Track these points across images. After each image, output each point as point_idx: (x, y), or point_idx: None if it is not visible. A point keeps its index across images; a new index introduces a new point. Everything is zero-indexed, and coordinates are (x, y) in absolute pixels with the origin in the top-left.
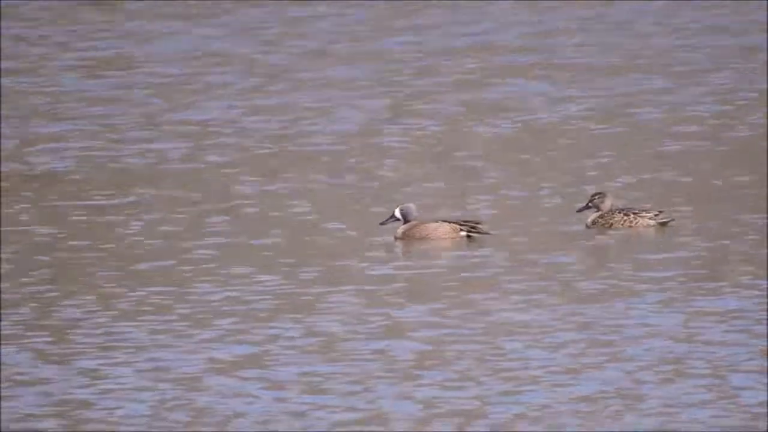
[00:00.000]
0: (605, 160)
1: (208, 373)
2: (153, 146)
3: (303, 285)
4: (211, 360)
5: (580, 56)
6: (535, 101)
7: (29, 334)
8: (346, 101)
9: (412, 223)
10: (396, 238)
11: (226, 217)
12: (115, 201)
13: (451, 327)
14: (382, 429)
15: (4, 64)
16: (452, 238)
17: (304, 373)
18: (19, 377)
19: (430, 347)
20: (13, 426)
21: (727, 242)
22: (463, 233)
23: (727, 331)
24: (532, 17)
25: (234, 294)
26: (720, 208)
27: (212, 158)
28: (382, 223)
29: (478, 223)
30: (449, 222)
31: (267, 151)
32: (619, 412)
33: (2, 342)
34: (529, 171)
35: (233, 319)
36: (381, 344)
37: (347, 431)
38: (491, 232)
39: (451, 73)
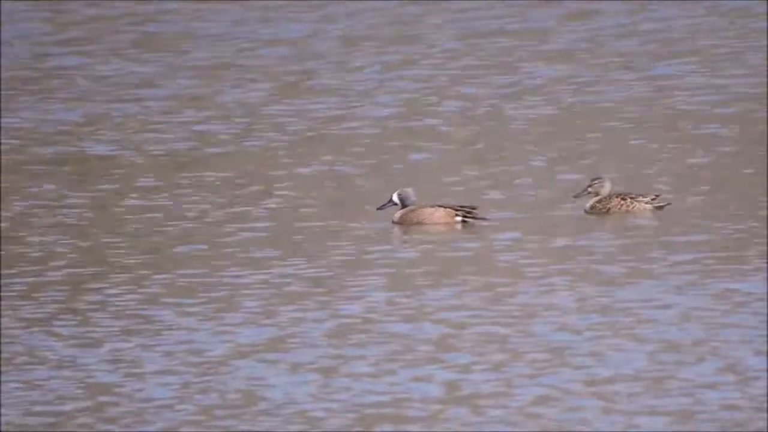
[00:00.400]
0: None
1: (233, 356)
2: (199, 128)
3: (331, 268)
4: (237, 343)
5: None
6: (563, 85)
7: (60, 316)
8: (386, 84)
9: (410, 207)
10: (393, 223)
11: (265, 201)
12: (159, 184)
13: (474, 309)
14: (403, 411)
15: (55, 49)
16: (447, 223)
17: (329, 356)
18: (45, 359)
19: (452, 330)
20: (39, 408)
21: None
22: (459, 219)
23: (754, 314)
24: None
25: (263, 277)
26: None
27: (256, 141)
28: (379, 208)
29: (474, 209)
30: (445, 207)
31: (310, 134)
32: (639, 395)
33: (31, 325)
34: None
35: (260, 302)
36: (404, 327)
37: (372, 413)
38: (487, 217)
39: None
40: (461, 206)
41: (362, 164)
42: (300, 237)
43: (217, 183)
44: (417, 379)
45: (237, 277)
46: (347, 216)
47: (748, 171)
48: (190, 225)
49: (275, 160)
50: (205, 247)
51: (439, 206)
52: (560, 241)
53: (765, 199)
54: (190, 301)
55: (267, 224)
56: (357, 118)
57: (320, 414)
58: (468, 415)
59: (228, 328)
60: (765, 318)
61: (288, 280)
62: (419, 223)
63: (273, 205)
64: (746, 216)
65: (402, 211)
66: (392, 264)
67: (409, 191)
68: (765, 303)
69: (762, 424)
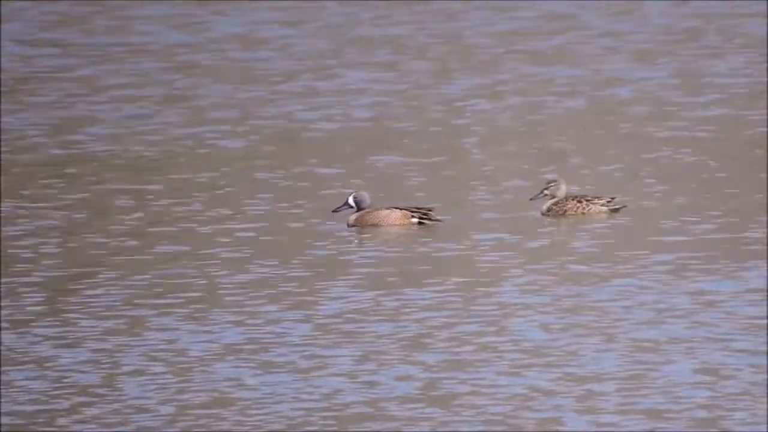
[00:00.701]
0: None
1: (213, 356)
2: (182, 130)
3: (309, 268)
4: (218, 344)
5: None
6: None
7: (44, 318)
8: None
9: (365, 210)
10: (349, 225)
11: (246, 202)
12: (140, 186)
13: (451, 309)
14: (379, 411)
15: (92, 52)
16: (403, 224)
17: (307, 356)
18: (26, 358)
19: (428, 330)
20: (22, 408)
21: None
22: (415, 220)
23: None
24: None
25: (243, 278)
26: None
27: (238, 143)
28: (334, 210)
29: (430, 210)
30: (401, 209)
31: (350, 132)
32: (614, 393)
33: (17, 326)
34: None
35: (240, 302)
36: (384, 327)
37: (349, 413)
38: (442, 219)
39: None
40: (417, 208)
41: (341, 166)
42: (281, 237)
43: (200, 182)
44: (397, 379)
45: (217, 277)
46: (327, 216)
47: (712, 167)
48: (174, 226)
49: (255, 161)
50: (189, 248)
51: (395, 208)
52: (527, 242)
53: (730, 197)
54: (170, 301)
55: (248, 225)
56: (334, 119)
57: (298, 413)
58: (444, 415)
59: (208, 328)
60: (737, 317)
61: (269, 280)
62: (375, 225)
63: (254, 208)
64: (717, 215)
65: (357, 214)
66: (358, 265)
67: (365, 194)
68: (737, 302)
69: (732, 423)
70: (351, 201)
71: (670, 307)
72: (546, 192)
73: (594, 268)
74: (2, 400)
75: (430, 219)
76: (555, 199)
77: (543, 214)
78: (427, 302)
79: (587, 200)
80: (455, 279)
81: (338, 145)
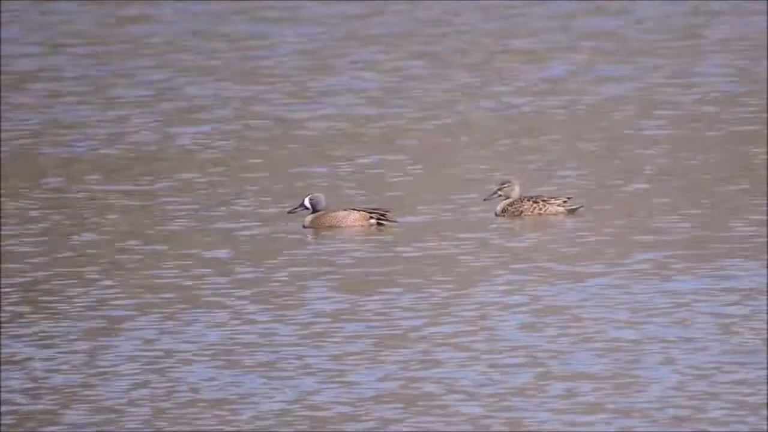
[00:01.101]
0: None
1: (192, 356)
2: (167, 129)
3: (286, 270)
4: (198, 344)
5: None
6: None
7: (31, 316)
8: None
9: (320, 212)
10: (304, 227)
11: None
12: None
13: (423, 311)
14: (358, 412)
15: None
16: (361, 225)
17: (291, 356)
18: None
19: (403, 332)
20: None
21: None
22: (373, 221)
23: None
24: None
25: (224, 279)
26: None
27: (227, 142)
28: (290, 212)
29: (387, 211)
30: (358, 210)
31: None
32: (593, 393)
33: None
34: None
35: (221, 303)
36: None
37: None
38: (397, 219)
39: None
40: (374, 209)
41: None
42: (261, 237)
43: (193, 183)
44: (379, 380)
45: (198, 277)
46: (283, 218)
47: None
48: (157, 226)
49: (246, 161)
50: (166, 247)
51: (352, 209)
52: (505, 243)
53: (700, 195)
54: (151, 300)
55: (228, 225)
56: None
57: (277, 413)
58: (423, 415)
59: (188, 328)
60: (714, 317)
61: (251, 281)
62: (333, 227)
63: (238, 207)
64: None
65: (313, 215)
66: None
67: (320, 196)
68: (713, 301)
69: (705, 424)
70: (307, 203)
71: (647, 305)
72: (500, 193)
73: (573, 267)
74: None
75: (387, 220)
76: (509, 200)
77: (497, 215)
78: (397, 304)
79: (543, 200)
80: (417, 280)
81: (325, 145)
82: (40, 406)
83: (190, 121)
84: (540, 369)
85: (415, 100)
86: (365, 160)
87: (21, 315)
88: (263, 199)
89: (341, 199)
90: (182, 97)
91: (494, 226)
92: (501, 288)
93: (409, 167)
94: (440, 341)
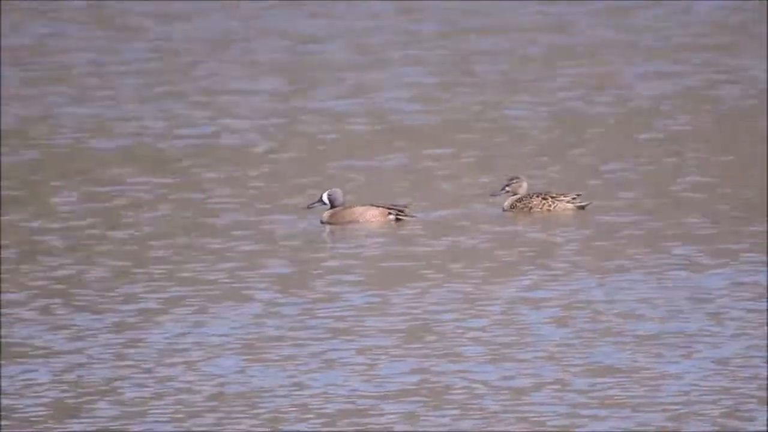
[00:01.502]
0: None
1: (193, 353)
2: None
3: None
4: (195, 341)
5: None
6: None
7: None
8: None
9: (338, 207)
10: (322, 222)
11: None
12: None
13: (440, 304)
14: (367, 407)
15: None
16: (381, 221)
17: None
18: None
19: (420, 324)
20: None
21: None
22: (392, 217)
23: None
24: None
25: (224, 273)
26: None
27: (229, 140)
28: (308, 207)
29: (405, 207)
30: (377, 206)
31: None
32: (591, 388)
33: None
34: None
35: (220, 299)
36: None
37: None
38: (417, 215)
39: None
40: (393, 205)
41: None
42: (268, 227)
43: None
44: (394, 374)
45: (197, 272)
46: (300, 213)
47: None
48: (156, 222)
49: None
50: (167, 244)
51: (372, 205)
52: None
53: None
54: (153, 296)
55: (229, 220)
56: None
57: (286, 409)
58: (431, 411)
59: (187, 325)
60: (713, 312)
61: (254, 276)
62: (352, 222)
63: (239, 199)
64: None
65: (331, 211)
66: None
67: (338, 191)
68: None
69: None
70: (325, 198)
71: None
72: (508, 189)
73: (602, 263)
74: None
75: (406, 215)
76: (517, 196)
77: (505, 210)
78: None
79: (552, 197)
80: (440, 274)
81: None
82: (70, 400)
83: (236, 115)
84: (563, 363)
85: (469, 94)
86: (401, 158)
87: (52, 309)
88: (311, 192)
89: (382, 195)
90: (231, 92)
91: (509, 221)
92: (525, 283)
93: (455, 161)
94: (465, 336)
